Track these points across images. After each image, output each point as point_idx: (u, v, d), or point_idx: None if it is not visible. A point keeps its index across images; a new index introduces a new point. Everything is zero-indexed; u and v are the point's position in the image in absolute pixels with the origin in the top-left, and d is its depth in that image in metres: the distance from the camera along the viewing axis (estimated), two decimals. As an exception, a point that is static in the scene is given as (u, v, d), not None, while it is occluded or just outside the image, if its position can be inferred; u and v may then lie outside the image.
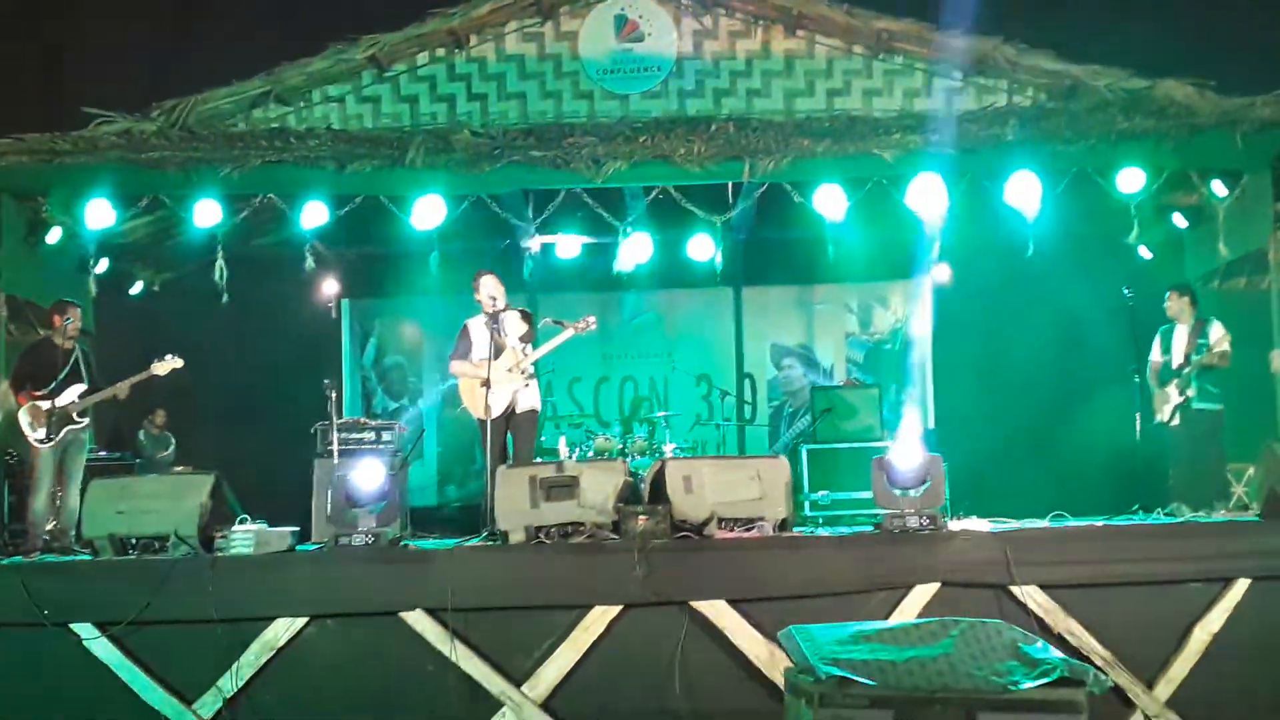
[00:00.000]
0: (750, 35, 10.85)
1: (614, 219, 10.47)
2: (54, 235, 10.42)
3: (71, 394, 9.13)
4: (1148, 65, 10.18)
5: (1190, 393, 9.50)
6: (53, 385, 9.09)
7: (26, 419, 9.02)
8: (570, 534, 7.39)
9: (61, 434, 9.07)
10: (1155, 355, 9.92)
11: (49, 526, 9.07)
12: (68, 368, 9.18)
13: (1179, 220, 11.48)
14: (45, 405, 9.02)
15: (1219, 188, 10.25)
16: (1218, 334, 9.51)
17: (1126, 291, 9.75)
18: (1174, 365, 9.68)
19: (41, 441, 8.99)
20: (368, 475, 7.51)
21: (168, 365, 9.30)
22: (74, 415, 9.13)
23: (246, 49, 11.39)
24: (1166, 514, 8.38)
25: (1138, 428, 9.48)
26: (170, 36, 14.12)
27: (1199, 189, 10.39)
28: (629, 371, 14.37)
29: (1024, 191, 9.96)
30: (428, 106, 10.80)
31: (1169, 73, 10.04)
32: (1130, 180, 9.96)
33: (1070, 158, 9.96)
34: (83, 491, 8.50)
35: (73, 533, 8.77)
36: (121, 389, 9.32)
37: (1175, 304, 9.81)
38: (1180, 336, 9.73)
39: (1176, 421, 9.60)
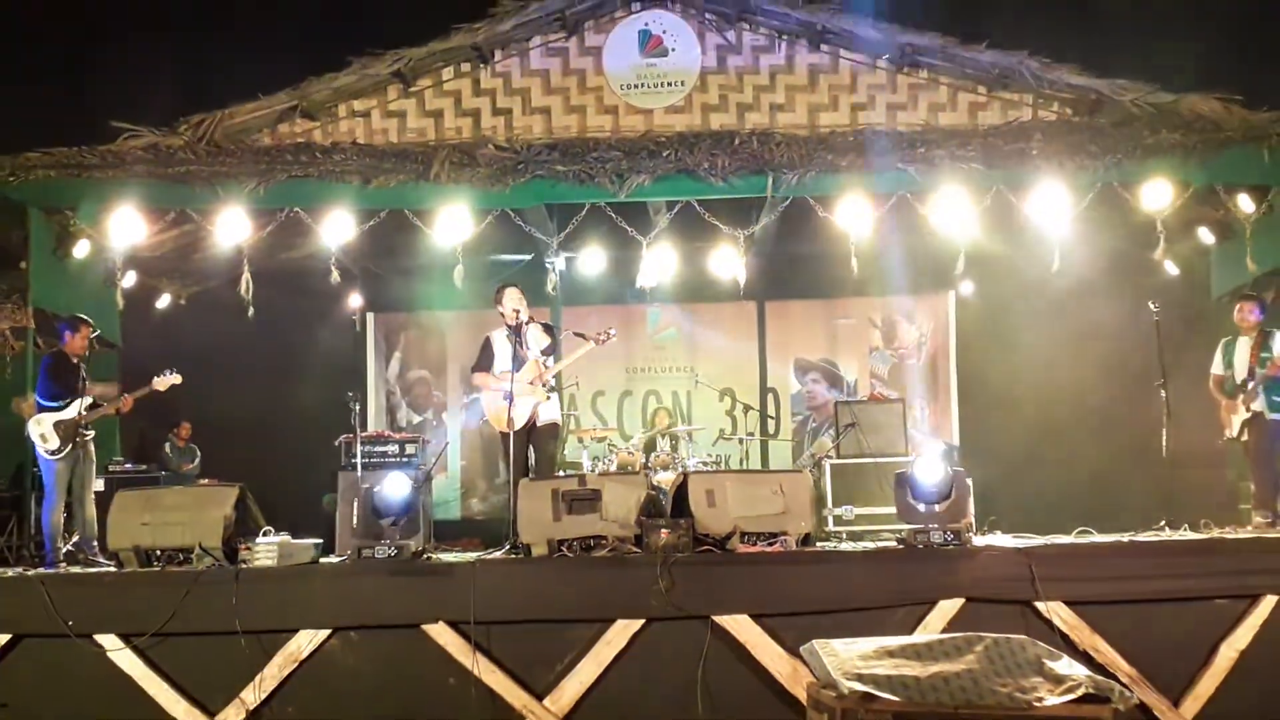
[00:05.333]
0: (774, 50, 10.88)
1: (638, 233, 10.48)
2: (82, 248, 10.49)
3: (79, 406, 9.16)
4: (1174, 79, 10.15)
5: (1258, 406, 9.26)
6: (71, 399, 9.13)
7: (38, 430, 9.05)
8: (592, 547, 7.39)
9: (73, 446, 9.10)
10: (1217, 369, 9.65)
11: (74, 539, 9.12)
12: (79, 381, 9.23)
13: (1206, 235, 11.40)
14: (58, 418, 9.06)
15: (1246, 202, 10.18)
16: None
17: (1153, 306, 9.65)
18: (1239, 379, 9.42)
19: (55, 454, 9.03)
20: (395, 486, 7.58)
21: (168, 381, 9.33)
22: (82, 428, 9.17)
23: (273, 65, 11.46)
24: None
25: (1164, 443, 9.37)
26: (197, 52, 14.23)
27: (1226, 204, 10.33)
28: (652, 386, 14.38)
29: (1049, 206, 9.93)
30: (452, 121, 10.86)
31: (1195, 87, 10.02)
32: (1156, 195, 9.91)
33: (1095, 172, 9.93)
34: (101, 502, 8.54)
35: (94, 544, 8.81)
36: (129, 400, 9.37)
37: (1248, 314, 9.48)
38: (1243, 349, 9.46)
39: (1246, 436, 9.36)
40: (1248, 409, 9.34)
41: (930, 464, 7.67)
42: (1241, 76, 10.34)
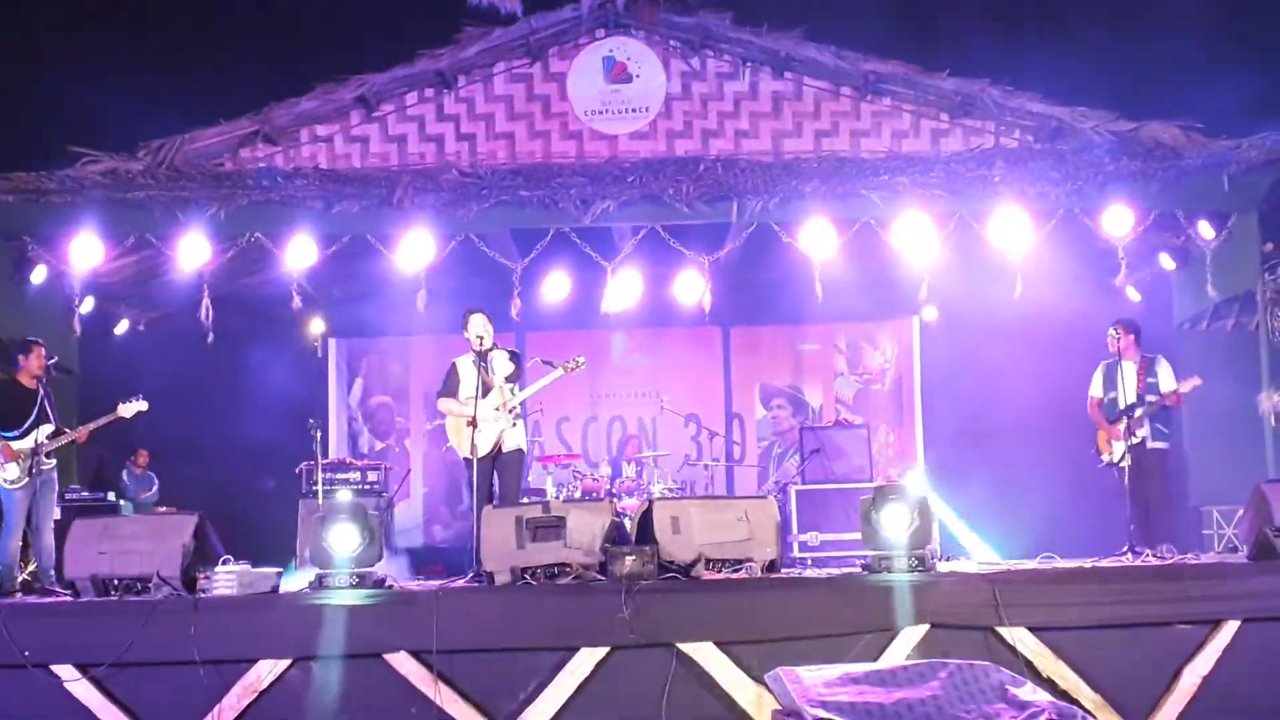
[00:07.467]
0: (738, 77, 10.94)
1: (602, 258, 10.47)
2: (39, 274, 10.38)
3: (40, 434, 9.01)
4: (1134, 107, 10.26)
5: (1143, 432, 9.22)
6: (25, 426, 8.99)
7: None
8: (556, 575, 7.33)
9: (33, 475, 8.94)
10: (1095, 391, 9.60)
11: (30, 568, 8.98)
12: (36, 408, 9.07)
13: (1166, 261, 11.47)
14: (17, 446, 8.92)
15: (1206, 229, 10.26)
16: (1167, 374, 9.26)
17: (1114, 333, 9.71)
18: (1123, 404, 9.29)
19: (13, 483, 8.89)
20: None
21: (133, 407, 9.19)
22: (43, 456, 9.02)
23: (234, 89, 11.42)
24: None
25: (1125, 469, 9.39)
26: (157, 76, 14.13)
27: (1186, 230, 10.42)
28: (617, 411, 14.33)
29: (1011, 232, 9.98)
30: (416, 146, 10.86)
31: (1156, 115, 10.11)
32: (1117, 221, 9.97)
33: (1057, 199, 10.00)
34: (59, 531, 8.41)
35: (51, 573, 8.67)
36: (84, 431, 9.21)
37: (1122, 340, 9.39)
38: (1129, 374, 9.35)
39: (1127, 462, 9.19)
40: (1133, 435, 9.24)
41: (895, 490, 7.64)
42: (1201, 105, 10.45)
